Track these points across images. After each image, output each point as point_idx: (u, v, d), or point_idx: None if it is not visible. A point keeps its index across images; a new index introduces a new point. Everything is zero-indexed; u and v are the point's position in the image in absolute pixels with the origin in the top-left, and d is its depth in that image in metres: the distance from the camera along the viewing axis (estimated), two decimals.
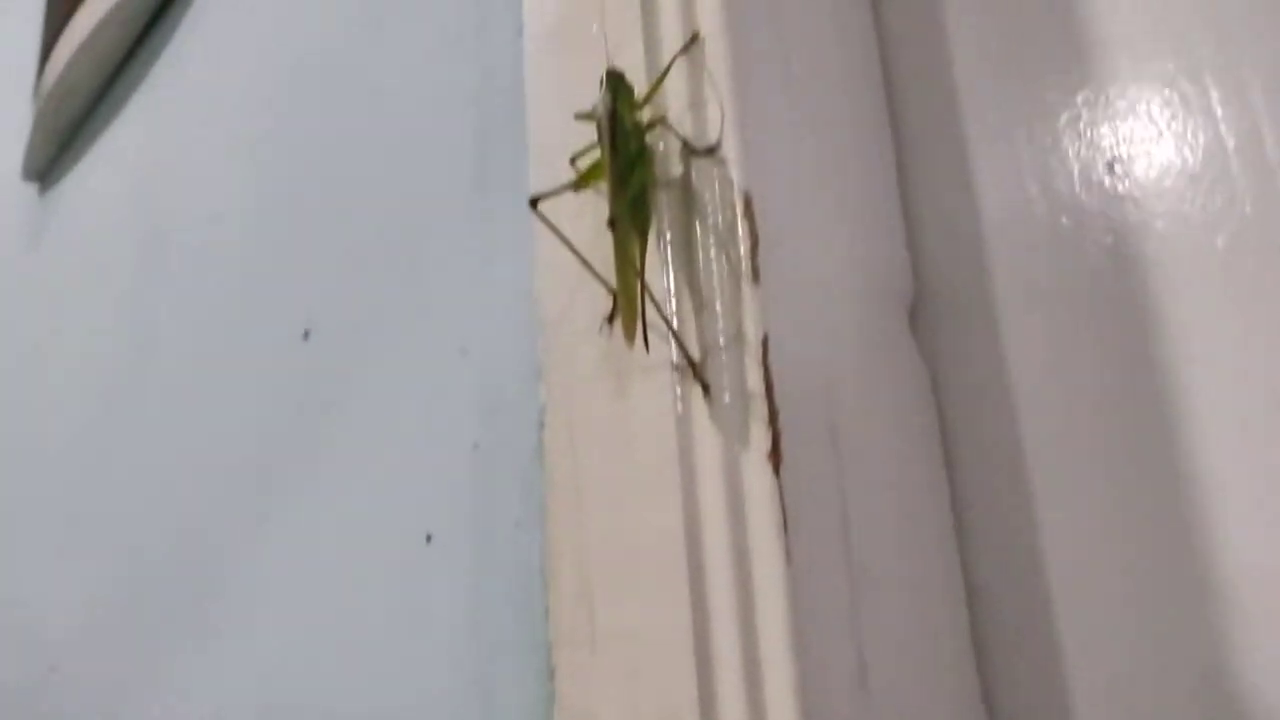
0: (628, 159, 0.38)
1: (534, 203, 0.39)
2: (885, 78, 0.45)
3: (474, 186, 0.54)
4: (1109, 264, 0.38)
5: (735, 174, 0.38)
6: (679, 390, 0.37)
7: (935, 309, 0.43)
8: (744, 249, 0.37)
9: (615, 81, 0.39)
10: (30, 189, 1.27)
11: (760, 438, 0.35)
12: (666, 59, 0.41)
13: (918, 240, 0.44)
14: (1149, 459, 0.35)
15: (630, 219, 0.38)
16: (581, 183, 0.39)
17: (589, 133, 0.41)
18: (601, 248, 0.40)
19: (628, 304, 0.37)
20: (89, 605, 0.91)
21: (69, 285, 1.13)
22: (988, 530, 0.39)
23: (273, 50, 0.79)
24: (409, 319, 0.58)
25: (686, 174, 0.39)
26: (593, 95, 0.41)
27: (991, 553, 0.39)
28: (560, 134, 0.44)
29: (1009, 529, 0.39)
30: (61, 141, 1.19)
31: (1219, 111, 0.36)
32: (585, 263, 0.39)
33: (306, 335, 0.67)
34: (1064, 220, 0.39)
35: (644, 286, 0.37)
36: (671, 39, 0.41)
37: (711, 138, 0.39)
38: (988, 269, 0.42)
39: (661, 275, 0.39)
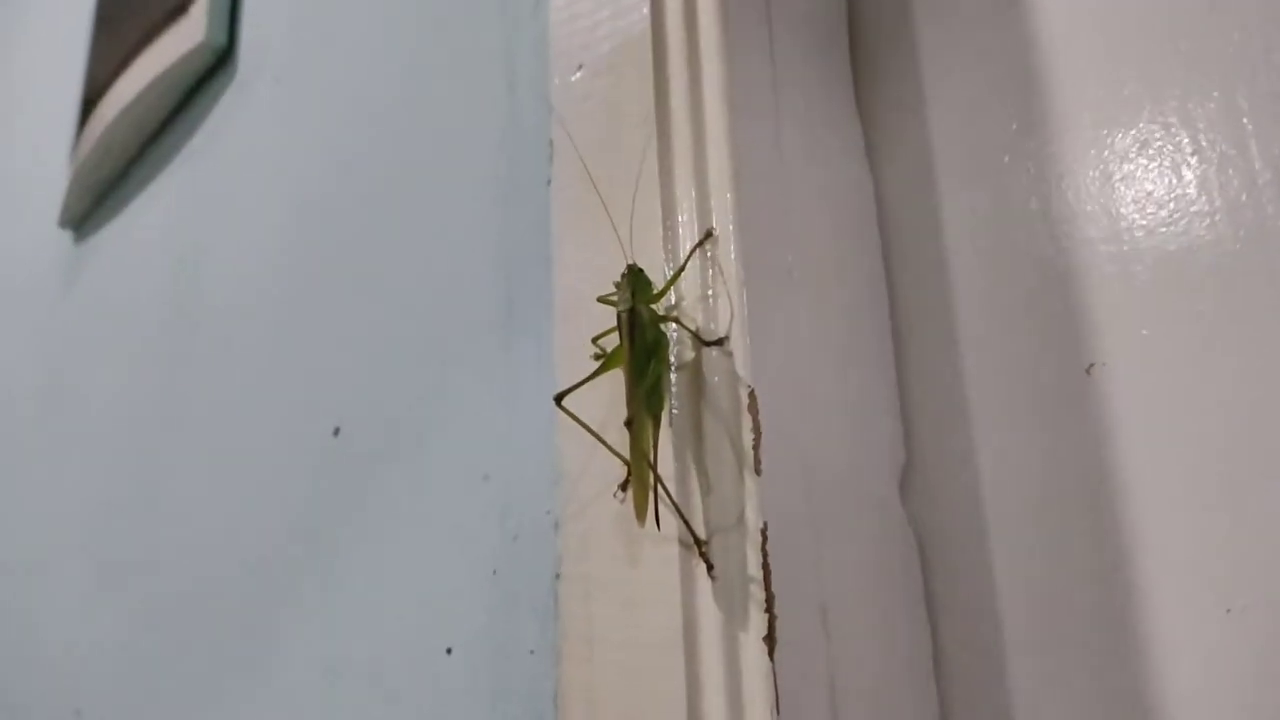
0: (645, 350, 0.42)
1: (559, 399, 0.43)
2: (886, 263, 0.49)
3: (502, 322, 0.58)
4: (1092, 452, 0.41)
5: (741, 368, 0.41)
6: (685, 566, 0.41)
7: (924, 476, 0.47)
8: (748, 441, 0.40)
9: (634, 277, 0.43)
10: (66, 235, 1.32)
11: (758, 622, 0.39)
12: (684, 249, 0.44)
13: (910, 411, 0.48)
14: (1127, 653, 0.39)
15: (645, 405, 0.42)
16: (602, 371, 0.43)
17: (610, 304, 0.45)
18: (618, 416, 0.44)
19: (640, 487, 0.41)
20: (114, 652, 0.95)
21: (102, 333, 1.17)
22: (970, 697, 0.43)
23: (313, 150, 0.84)
24: (434, 433, 0.61)
25: (698, 361, 0.43)
26: (613, 265, 0.45)
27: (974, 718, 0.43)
28: (583, 297, 0.48)
29: (989, 695, 0.42)
30: (97, 197, 1.23)
31: None
32: (602, 441, 0.43)
33: (336, 432, 0.71)
34: (1038, 412, 0.43)
35: (656, 473, 0.41)
36: (689, 233, 0.45)
37: (721, 330, 0.43)
38: (980, 436, 0.46)
39: (672, 457, 0.43)
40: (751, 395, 0.41)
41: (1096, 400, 0.42)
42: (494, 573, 0.54)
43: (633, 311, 0.42)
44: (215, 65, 1.02)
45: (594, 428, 0.45)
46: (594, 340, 0.46)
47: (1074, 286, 0.43)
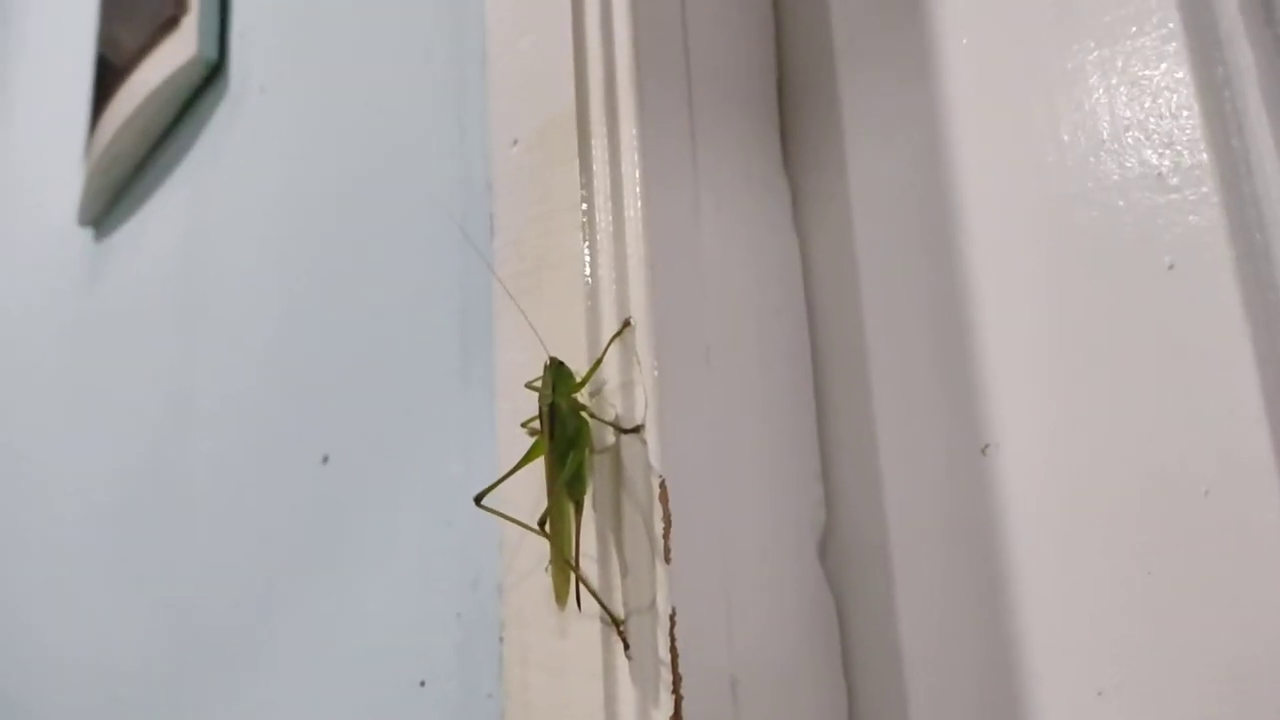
0: (565, 440, 0.45)
1: (478, 500, 0.46)
2: (810, 324, 0.51)
3: (459, 369, 0.60)
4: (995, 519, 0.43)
5: (654, 458, 0.44)
6: (606, 643, 0.44)
7: (844, 535, 0.49)
8: (659, 530, 0.43)
9: (555, 370, 0.45)
10: (86, 233, 1.36)
11: (666, 703, 0.42)
12: (605, 337, 0.47)
13: (831, 472, 0.50)
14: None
15: (567, 492, 0.45)
16: (522, 464, 0.46)
17: (537, 390, 0.47)
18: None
19: (560, 572, 0.44)
20: (145, 643, 1.01)
21: (123, 333, 1.21)
22: None
23: (295, 167, 0.86)
24: (406, 471, 0.65)
25: (618, 448, 0.46)
26: (551, 339, 0.48)
27: None
28: (517, 379, 0.50)
29: None
30: (112, 198, 1.27)
31: None
32: (529, 528, 0.46)
33: (326, 460, 0.74)
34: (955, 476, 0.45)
35: (576, 561, 0.44)
36: (610, 320, 0.47)
37: (639, 418, 0.45)
38: (891, 504, 0.48)
39: (595, 538, 0.45)
40: (663, 485, 0.43)
41: (991, 478, 0.44)
42: (458, 615, 0.58)
43: (553, 406, 0.45)
44: (209, 77, 1.04)
45: (529, 504, 0.48)
46: (523, 425, 0.48)
47: (975, 364, 0.45)
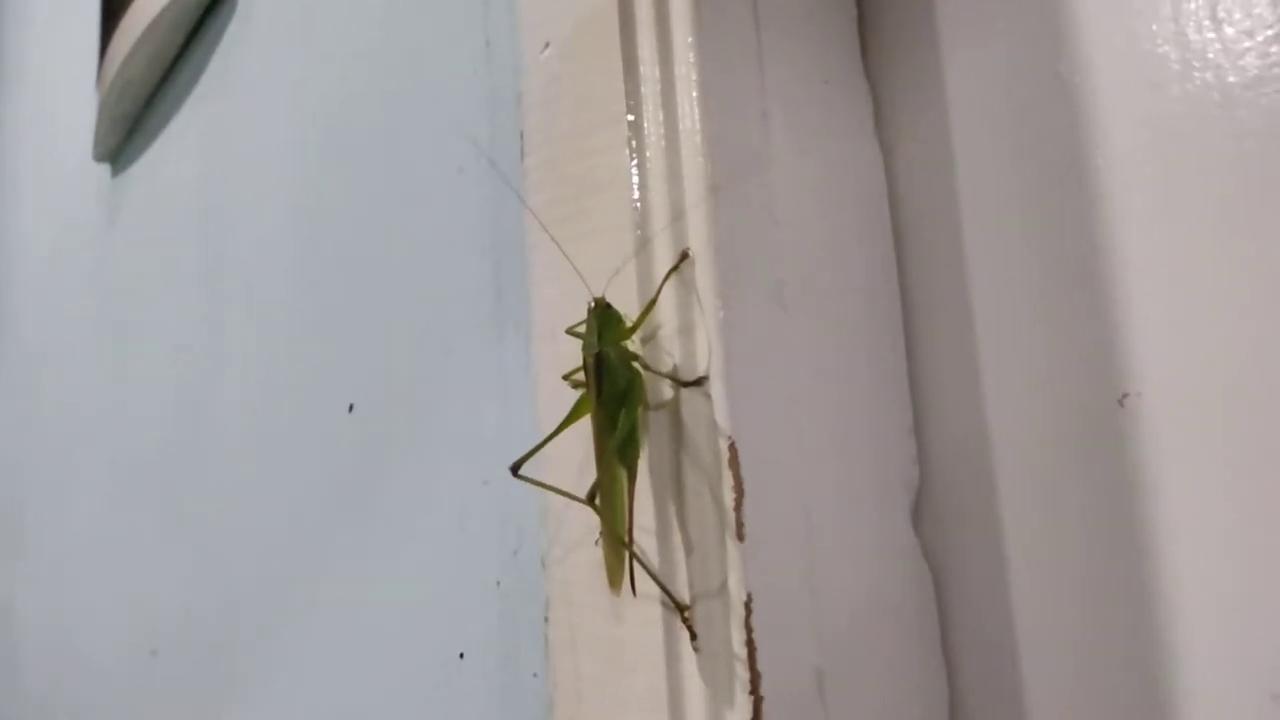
0: (615, 397, 0.38)
1: (515, 469, 0.39)
2: (899, 257, 0.43)
3: (492, 314, 0.54)
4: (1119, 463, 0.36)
5: (720, 415, 0.37)
6: (669, 630, 0.38)
7: (941, 496, 0.42)
8: (729, 500, 0.36)
9: (601, 314, 0.38)
10: (103, 170, 1.30)
11: (743, 704, 0.35)
12: (659, 272, 0.40)
13: (925, 425, 0.43)
14: (1144, 658, 0.35)
15: (619, 458, 0.38)
16: (565, 425, 0.39)
17: (579, 337, 0.41)
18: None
19: (613, 552, 0.37)
20: (181, 597, 0.98)
21: (145, 269, 1.16)
22: None
23: (306, 90, 0.79)
24: (437, 426, 0.59)
25: (677, 403, 0.39)
26: (584, 292, 0.41)
27: None
28: (556, 325, 0.44)
29: None
30: (126, 130, 1.21)
31: None
32: (576, 499, 0.40)
33: (351, 409, 0.68)
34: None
35: (630, 539, 0.37)
36: (665, 254, 0.40)
37: (700, 368, 0.38)
38: (1000, 461, 0.41)
39: (653, 511, 0.39)
40: (732, 447, 0.37)
41: (1132, 429, 0.36)
42: (498, 584, 0.52)
43: (599, 355, 0.38)
44: None
45: (574, 468, 0.42)
46: (566, 377, 0.42)
47: (1109, 300, 0.37)
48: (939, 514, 0.42)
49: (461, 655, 0.55)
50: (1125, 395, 0.36)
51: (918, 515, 0.42)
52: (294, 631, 0.74)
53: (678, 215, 0.39)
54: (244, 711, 0.81)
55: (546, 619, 0.44)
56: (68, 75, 1.39)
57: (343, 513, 0.68)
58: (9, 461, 1.65)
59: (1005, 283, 0.41)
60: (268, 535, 0.80)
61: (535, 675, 0.48)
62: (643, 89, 0.41)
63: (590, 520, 0.42)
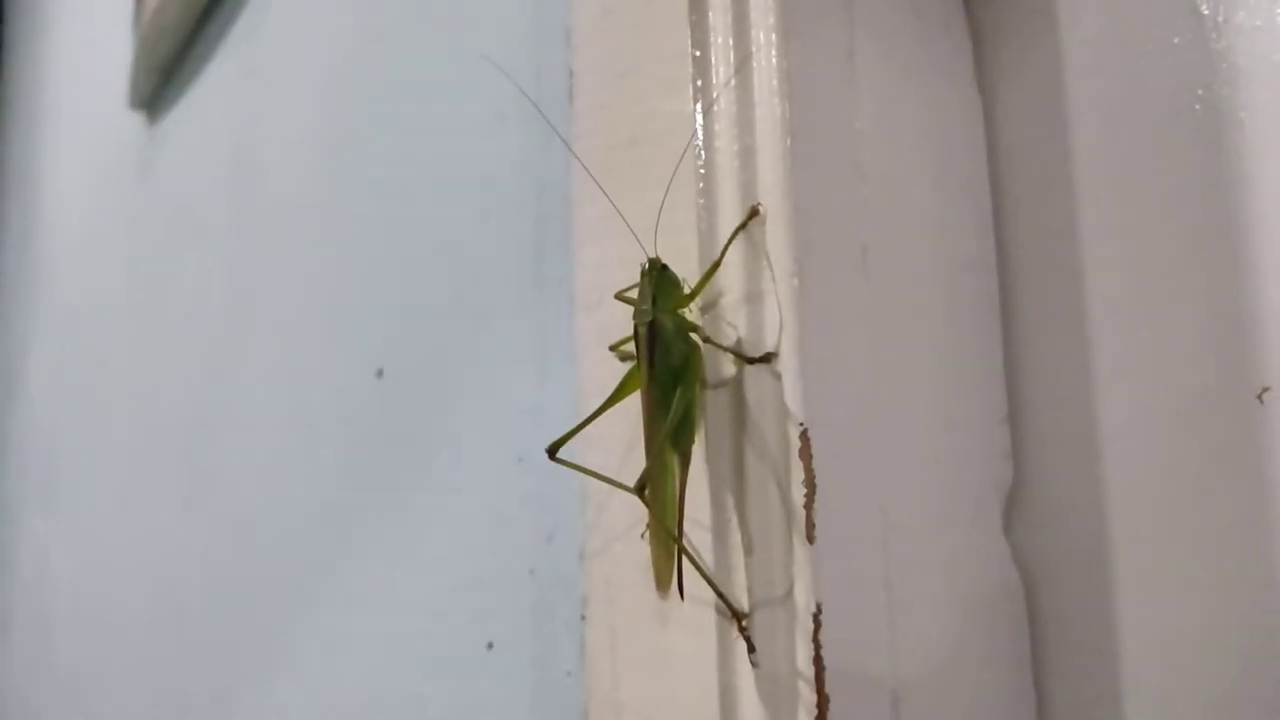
0: (669, 372, 0.33)
1: (552, 452, 0.34)
2: (996, 220, 0.38)
3: (531, 276, 0.49)
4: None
5: (791, 398, 0.32)
6: (724, 639, 0.33)
7: (1037, 496, 0.37)
8: (799, 496, 0.31)
9: (656, 276, 0.33)
10: (138, 118, 1.27)
11: None
12: (724, 231, 0.34)
13: (1021, 415, 0.37)
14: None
15: (671, 441, 0.33)
16: (610, 404, 0.34)
17: (629, 303, 0.36)
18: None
19: (661, 550, 0.33)
20: (207, 559, 0.95)
21: (178, 221, 1.13)
22: None
23: (339, 37, 0.74)
24: (468, 396, 0.54)
25: (740, 382, 0.34)
26: (635, 253, 0.35)
27: None
28: (604, 288, 0.39)
29: None
30: (161, 77, 1.17)
31: None
32: (623, 487, 0.35)
33: (380, 374, 0.64)
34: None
35: (681, 536, 0.32)
36: (731, 209, 0.34)
37: (769, 343, 0.33)
38: (1111, 457, 0.36)
39: (709, 502, 0.34)
40: (804, 436, 0.32)
41: (1273, 429, 0.31)
42: (531, 572, 0.48)
43: (653, 324, 0.33)
44: None
45: (619, 450, 0.37)
46: (613, 348, 0.37)
47: (1251, 280, 0.31)
48: (1034, 518, 0.37)
49: (490, 646, 0.50)
50: (1266, 389, 0.31)
51: (1009, 518, 0.37)
52: (314, 607, 0.70)
53: (748, 166, 0.34)
54: (259, 690, 0.78)
55: (584, 617, 0.39)
56: (106, 21, 1.35)
57: (368, 484, 0.64)
58: (45, 416, 1.64)
59: (1125, 255, 0.35)
60: (290, 505, 0.76)
61: (569, 674, 0.44)
62: (710, 19, 0.36)
63: (635, 509, 0.37)
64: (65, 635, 1.41)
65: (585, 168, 0.40)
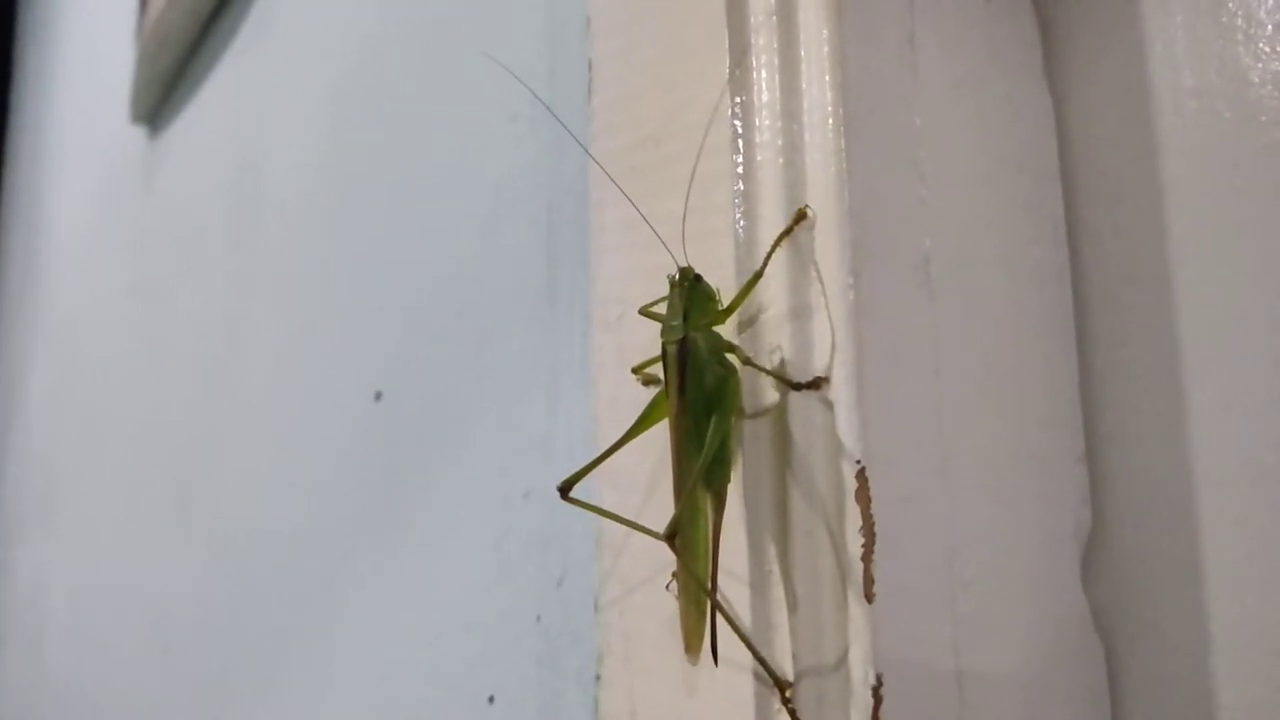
0: (702, 398, 0.28)
1: (564, 491, 0.30)
2: (1069, 230, 0.33)
3: (543, 291, 0.45)
4: None
5: (846, 431, 0.27)
6: (763, 711, 0.29)
7: (1117, 544, 0.33)
8: (855, 547, 0.27)
9: (688, 288, 0.29)
10: (139, 132, 1.23)
11: None
12: (766, 237, 0.30)
13: (1100, 454, 0.33)
14: None
15: (704, 480, 0.29)
16: (632, 435, 0.30)
17: (655, 319, 0.31)
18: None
19: (691, 606, 0.28)
20: (197, 594, 0.90)
21: (178, 236, 1.09)
22: None
23: (345, 45, 0.70)
24: (475, 421, 0.50)
25: (783, 412, 0.29)
26: (661, 263, 0.31)
27: None
28: (631, 279, 0.34)
29: None
30: (163, 90, 1.14)
31: None
32: (644, 530, 0.30)
33: (378, 397, 0.60)
34: None
35: (714, 590, 0.28)
36: (773, 212, 0.30)
37: (819, 366, 0.28)
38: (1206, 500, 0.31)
39: (746, 550, 0.29)
40: (861, 475, 0.27)
41: None
42: (538, 619, 0.43)
43: (684, 343, 0.28)
44: None
45: (642, 484, 0.32)
46: (636, 371, 0.32)
47: None
48: (1116, 570, 0.32)
49: (491, 699, 0.46)
50: None
51: (1089, 570, 0.32)
52: (305, 640, 0.66)
53: (793, 163, 0.30)
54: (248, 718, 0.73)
55: (598, 677, 0.34)
56: (109, 33, 1.32)
57: (363, 514, 0.59)
58: (45, 431, 1.60)
59: (1219, 272, 0.31)
60: (283, 534, 0.72)
61: None
62: (752, 2, 0.32)
63: (658, 554, 0.32)
64: (59, 656, 1.36)
65: (604, 169, 0.36)
